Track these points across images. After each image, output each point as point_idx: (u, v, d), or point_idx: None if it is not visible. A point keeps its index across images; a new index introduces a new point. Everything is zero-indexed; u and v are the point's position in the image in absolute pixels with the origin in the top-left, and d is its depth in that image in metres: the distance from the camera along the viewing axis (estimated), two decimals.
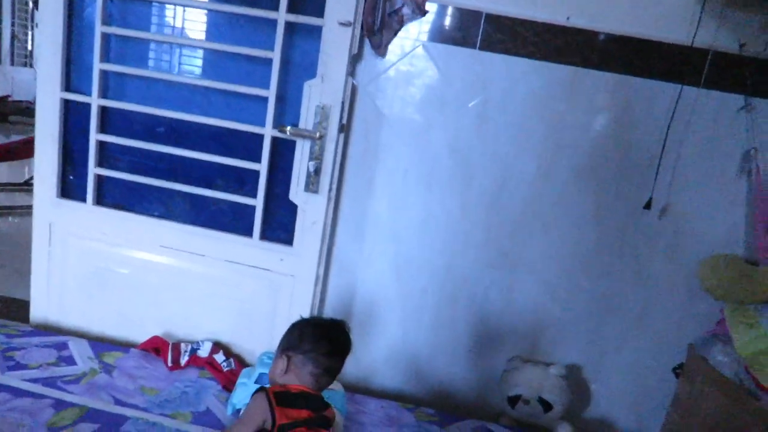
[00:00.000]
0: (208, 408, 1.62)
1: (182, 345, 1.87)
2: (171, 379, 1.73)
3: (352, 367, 2.05)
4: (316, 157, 1.76)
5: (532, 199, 1.86)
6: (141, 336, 1.94)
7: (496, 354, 2.02)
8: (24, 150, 3.72)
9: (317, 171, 1.76)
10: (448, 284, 1.97)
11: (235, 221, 1.90)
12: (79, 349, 1.80)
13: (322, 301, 1.98)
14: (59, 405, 1.50)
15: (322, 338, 1.26)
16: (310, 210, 1.82)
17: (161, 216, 1.93)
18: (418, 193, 1.90)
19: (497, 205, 1.88)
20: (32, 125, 1.92)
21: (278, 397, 1.20)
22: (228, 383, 1.74)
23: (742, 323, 1.70)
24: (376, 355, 2.04)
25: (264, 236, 1.87)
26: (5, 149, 3.82)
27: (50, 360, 1.71)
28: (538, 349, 2.01)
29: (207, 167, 1.87)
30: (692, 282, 1.86)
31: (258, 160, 1.81)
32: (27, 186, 4.62)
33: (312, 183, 1.78)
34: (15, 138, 4.31)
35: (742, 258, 1.81)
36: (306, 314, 1.90)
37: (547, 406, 1.89)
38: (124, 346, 1.90)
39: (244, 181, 1.87)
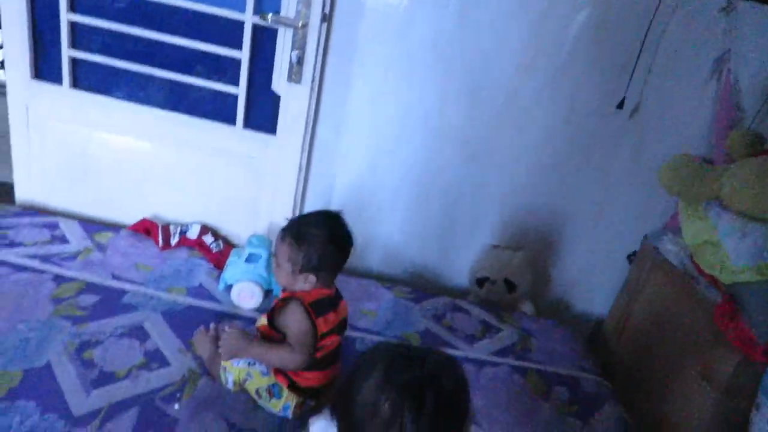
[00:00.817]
0: (200, 284, 1.75)
1: (171, 227, 1.96)
2: (163, 258, 1.84)
3: None
4: (299, 46, 1.75)
5: (510, 96, 1.91)
6: (129, 218, 2.01)
7: (466, 241, 2.17)
8: None
9: (300, 61, 1.76)
10: (424, 176, 2.06)
11: (218, 109, 1.91)
12: (70, 229, 1.87)
13: (304, 189, 2.06)
14: (59, 279, 1.60)
15: (337, 251, 1.26)
16: (292, 100, 1.84)
17: (142, 101, 1.92)
18: (398, 87, 1.92)
19: (475, 101, 1.93)
20: None
21: (314, 307, 1.23)
22: (217, 262, 1.86)
23: (692, 216, 1.85)
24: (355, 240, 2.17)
25: (247, 125, 1.90)
26: None
27: (44, 239, 1.79)
28: (505, 236, 2.16)
29: (187, 52, 1.84)
30: (653, 180, 1.98)
31: (239, 47, 1.79)
32: None
33: (294, 73, 1.79)
34: None
35: (701, 157, 1.93)
36: (289, 202, 2.00)
37: (511, 286, 2.09)
38: (115, 227, 1.97)
39: (226, 69, 1.86)
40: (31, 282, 1.56)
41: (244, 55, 1.78)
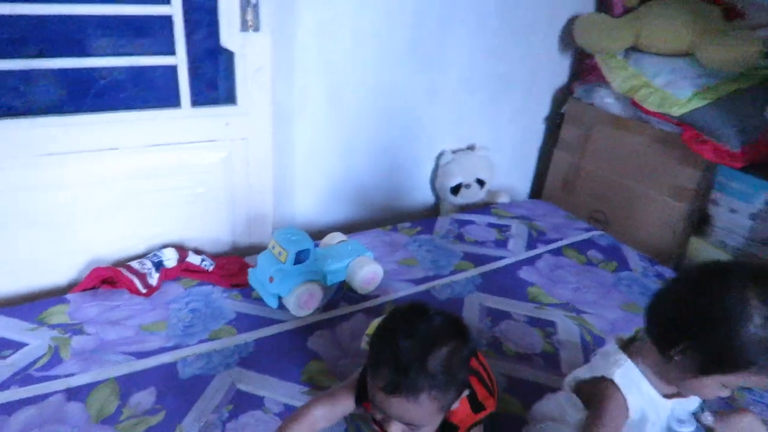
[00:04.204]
0: (237, 313, 1.40)
1: (137, 264, 1.47)
2: (161, 305, 1.40)
3: (303, 207, 1.92)
4: None
5: None
6: (65, 277, 1.45)
7: (427, 154, 2.11)
8: None
9: (253, 2, 1.37)
10: (381, 99, 1.90)
11: (148, 91, 1.41)
12: (11, 327, 1.28)
13: None
14: (74, 395, 1.11)
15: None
16: (251, 54, 1.45)
17: (32, 112, 1.30)
18: (345, 15, 1.66)
19: (419, 10, 1.79)
20: None
21: None
22: (227, 280, 1.49)
23: (615, 68, 2.09)
24: (323, 191, 1.94)
25: (197, 101, 1.45)
26: None
27: None
28: (458, 137, 2.16)
29: (78, 22, 1.27)
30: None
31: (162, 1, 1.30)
32: None
33: (250, 19, 1.39)
34: None
35: (603, 14, 2.14)
36: (267, 179, 1.66)
37: (482, 183, 2.14)
38: (55, 296, 1.40)
39: (144, 33, 1.35)
40: (47, 418, 1.05)
41: (175, 8, 1.31)
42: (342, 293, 1.51)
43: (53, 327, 1.29)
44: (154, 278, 1.45)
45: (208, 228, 1.63)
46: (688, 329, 0.82)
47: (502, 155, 2.30)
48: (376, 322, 1.07)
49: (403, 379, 0.80)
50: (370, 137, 1.94)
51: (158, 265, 1.48)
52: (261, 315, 1.39)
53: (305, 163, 1.84)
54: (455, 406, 0.90)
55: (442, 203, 2.20)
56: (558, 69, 2.27)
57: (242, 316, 1.39)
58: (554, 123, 2.35)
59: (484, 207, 2.11)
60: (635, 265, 1.77)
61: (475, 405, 0.97)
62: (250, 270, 1.47)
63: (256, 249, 1.72)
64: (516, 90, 2.19)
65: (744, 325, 0.77)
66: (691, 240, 2.02)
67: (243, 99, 1.50)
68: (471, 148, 2.18)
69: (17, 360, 1.18)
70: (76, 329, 1.29)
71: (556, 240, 1.88)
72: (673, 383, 0.90)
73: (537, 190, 2.49)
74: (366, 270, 1.47)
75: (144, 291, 1.42)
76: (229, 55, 1.44)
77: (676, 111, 1.89)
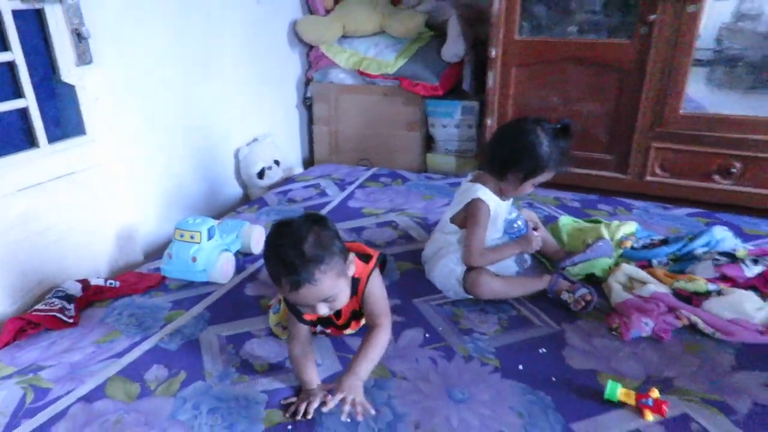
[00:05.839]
0: (172, 302, 1.56)
1: (43, 305, 1.48)
2: (96, 324, 1.46)
3: (145, 222, 2.07)
4: (77, 21, 1.51)
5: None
6: None
7: (226, 152, 2.45)
8: None
9: (81, 37, 1.53)
10: (185, 112, 2.16)
11: (2, 138, 1.44)
12: None
13: None
14: (91, 397, 1.19)
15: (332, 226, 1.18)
16: (89, 86, 1.60)
17: None
18: (140, 42, 1.89)
19: (194, 33, 2.13)
20: None
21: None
22: (140, 286, 1.62)
23: (337, 52, 2.77)
24: (157, 202, 2.10)
25: (52, 138, 1.53)
26: None
27: None
28: (245, 133, 2.55)
29: None
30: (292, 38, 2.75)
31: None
32: None
33: (83, 53, 1.55)
34: None
35: (314, 15, 2.78)
36: (126, 196, 1.79)
37: (278, 163, 2.59)
38: None
39: None
40: (84, 419, 1.14)
41: (16, 53, 1.40)
42: (242, 260, 1.79)
43: (8, 378, 1.27)
44: (71, 309, 1.49)
45: (84, 260, 1.68)
46: (514, 159, 1.45)
47: (278, 139, 2.76)
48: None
49: (297, 274, 1.02)
50: (183, 146, 2.18)
51: (69, 298, 1.52)
52: (194, 294, 1.60)
53: (137, 181, 1.98)
54: (351, 270, 1.16)
55: (251, 190, 2.55)
56: (296, 62, 2.84)
57: (178, 301, 1.57)
58: (306, 105, 2.93)
59: (287, 180, 2.55)
60: (410, 177, 2.49)
61: (364, 257, 1.26)
62: (162, 267, 1.64)
63: (132, 266, 1.83)
64: (271, 85, 2.67)
65: (540, 147, 1.42)
66: (428, 156, 2.87)
67: (90, 128, 1.63)
68: (256, 139, 2.58)
69: (2, 408, 1.18)
70: (33, 369, 1.30)
71: (355, 180, 2.47)
72: (504, 193, 1.53)
73: (311, 160, 3.04)
74: (255, 232, 1.80)
75: (70, 321, 1.46)
76: (71, 89, 1.56)
77: (390, 70, 2.68)
